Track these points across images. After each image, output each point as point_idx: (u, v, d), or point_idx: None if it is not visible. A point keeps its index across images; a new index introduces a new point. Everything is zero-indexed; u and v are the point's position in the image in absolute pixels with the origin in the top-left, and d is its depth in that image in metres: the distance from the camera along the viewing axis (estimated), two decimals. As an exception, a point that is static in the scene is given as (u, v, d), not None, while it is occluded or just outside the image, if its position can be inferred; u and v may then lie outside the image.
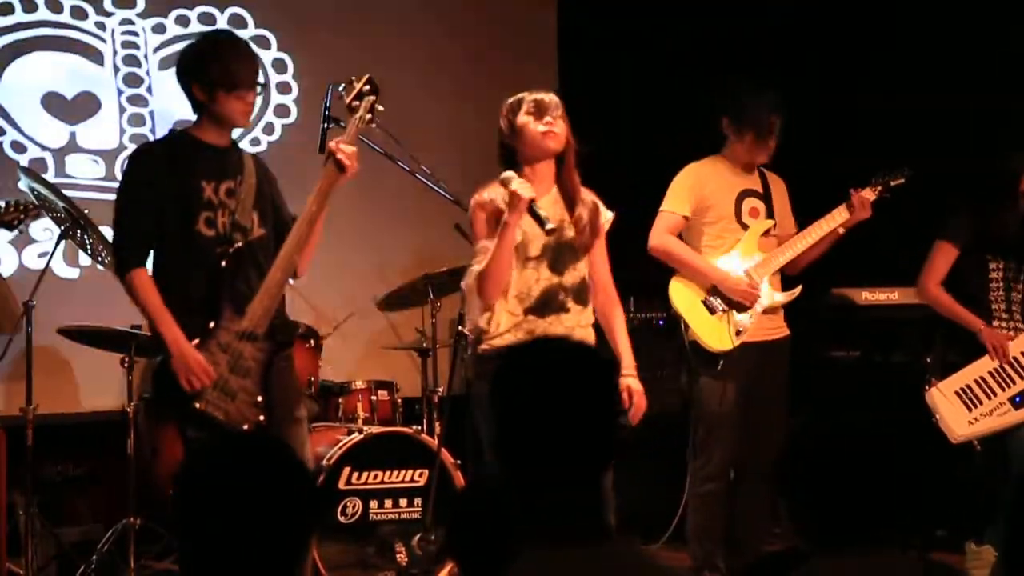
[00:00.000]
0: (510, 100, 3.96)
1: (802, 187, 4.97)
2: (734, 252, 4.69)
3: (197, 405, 3.62)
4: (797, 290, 4.75)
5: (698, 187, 4.72)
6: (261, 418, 3.70)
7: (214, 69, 3.71)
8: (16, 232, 4.71)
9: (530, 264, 3.85)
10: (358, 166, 3.81)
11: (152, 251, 3.77)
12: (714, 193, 4.72)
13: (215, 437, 3.53)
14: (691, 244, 4.74)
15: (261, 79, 3.86)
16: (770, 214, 4.78)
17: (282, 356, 3.85)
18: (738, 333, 4.62)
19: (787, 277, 4.83)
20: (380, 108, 3.96)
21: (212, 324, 3.69)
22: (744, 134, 4.70)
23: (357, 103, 3.91)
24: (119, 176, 5.01)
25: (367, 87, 3.93)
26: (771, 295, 4.69)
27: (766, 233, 4.76)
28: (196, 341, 3.66)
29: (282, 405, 3.81)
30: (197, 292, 3.71)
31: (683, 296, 4.68)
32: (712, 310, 4.65)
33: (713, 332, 4.63)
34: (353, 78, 3.97)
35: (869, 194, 4.72)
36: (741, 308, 4.64)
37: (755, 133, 4.68)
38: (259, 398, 3.72)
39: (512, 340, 3.78)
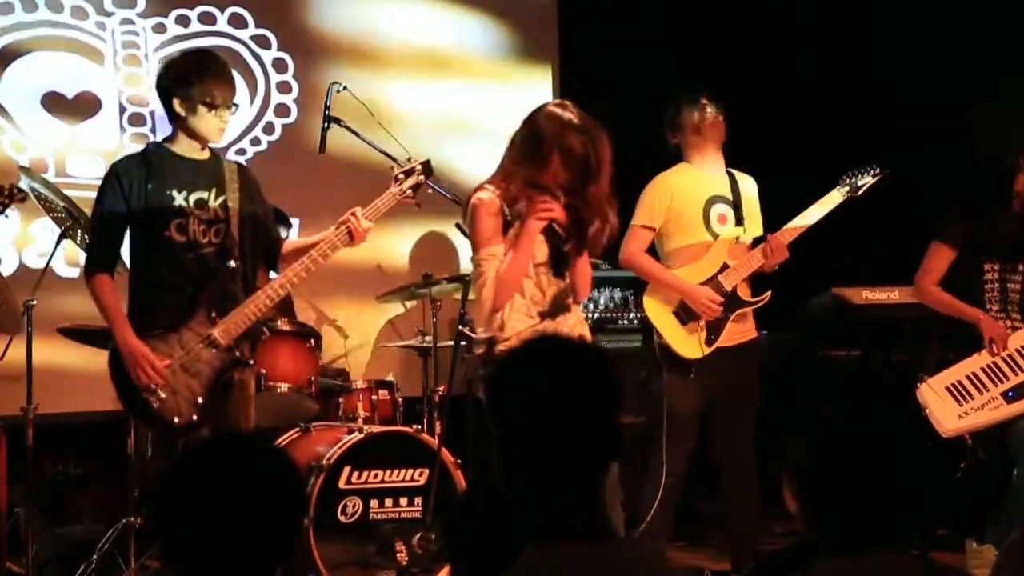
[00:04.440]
0: (565, 120, 3.85)
1: (774, 187, 4.97)
2: (703, 261, 4.70)
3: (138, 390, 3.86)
4: (767, 295, 4.75)
5: (666, 197, 4.74)
6: (195, 417, 3.91)
7: (197, 88, 3.94)
8: (3, 217, 4.75)
9: (539, 270, 3.91)
10: (366, 241, 4.06)
11: (132, 255, 4.04)
12: (682, 202, 4.73)
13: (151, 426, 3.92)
14: (661, 251, 4.79)
15: (236, 100, 4.07)
16: (739, 220, 4.78)
17: (244, 372, 4.05)
18: (709, 341, 4.63)
19: (760, 281, 4.80)
20: (429, 190, 4.21)
21: (179, 321, 3.92)
22: (681, 134, 4.76)
23: (404, 177, 4.13)
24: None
25: (419, 166, 4.16)
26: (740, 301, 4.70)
27: (736, 240, 4.75)
28: (160, 330, 3.91)
29: (232, 415, 4.02)
30: (170, 292, 3.97)
31: (656, 309, 4.71)
32: (683, 320, 4.67)
33: (685, 341, 4.66)
34: (411, 157, 4.22)
35: (836, 196, 4.72)
36: (708, 319, 4.65)
37: (689, 130, 4.72)
38: (200, 400, 3.92)
39: None
